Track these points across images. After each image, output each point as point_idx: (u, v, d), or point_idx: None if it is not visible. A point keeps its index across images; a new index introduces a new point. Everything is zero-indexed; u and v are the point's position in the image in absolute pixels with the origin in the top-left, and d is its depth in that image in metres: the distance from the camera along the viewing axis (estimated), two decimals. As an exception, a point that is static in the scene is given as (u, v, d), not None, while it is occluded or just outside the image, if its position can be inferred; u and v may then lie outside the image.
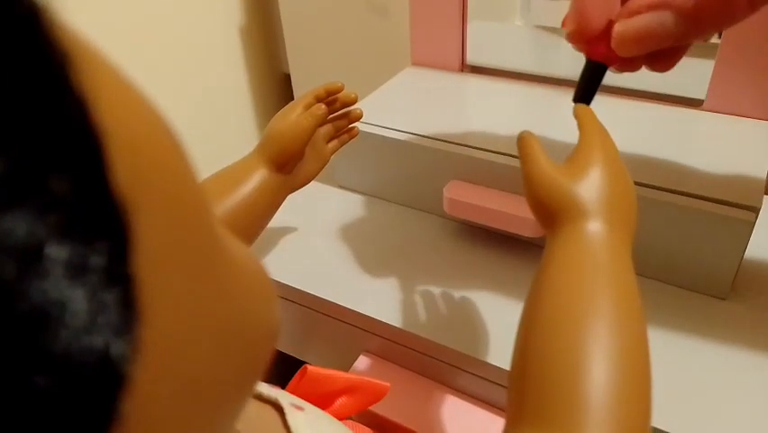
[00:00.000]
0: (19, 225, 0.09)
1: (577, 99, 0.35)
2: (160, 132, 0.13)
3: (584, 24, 0.31)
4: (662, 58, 0.32)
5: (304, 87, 0.92)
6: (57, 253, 0.10)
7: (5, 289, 0.09)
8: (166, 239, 0.13)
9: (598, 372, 0.25)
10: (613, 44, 0.31)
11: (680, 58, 0.33)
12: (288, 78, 0.96)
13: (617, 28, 0.30)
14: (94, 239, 0.10)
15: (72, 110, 0.10)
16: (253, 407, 0.28)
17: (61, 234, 0.10)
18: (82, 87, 0.11)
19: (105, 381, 0.10)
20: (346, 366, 0.50)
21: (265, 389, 0.29)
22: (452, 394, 0.47)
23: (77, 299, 0.10)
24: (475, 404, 0.46)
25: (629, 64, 0.33)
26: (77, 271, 0.10)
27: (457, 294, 0.49)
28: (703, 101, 0.57)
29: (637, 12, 0.29)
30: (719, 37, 0.67)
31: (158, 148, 0.13)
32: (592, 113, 0.35)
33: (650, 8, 0.29)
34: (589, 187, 0.31)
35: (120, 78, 0.13)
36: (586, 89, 0.35)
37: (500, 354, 0.44)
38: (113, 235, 0.11)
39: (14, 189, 0.09)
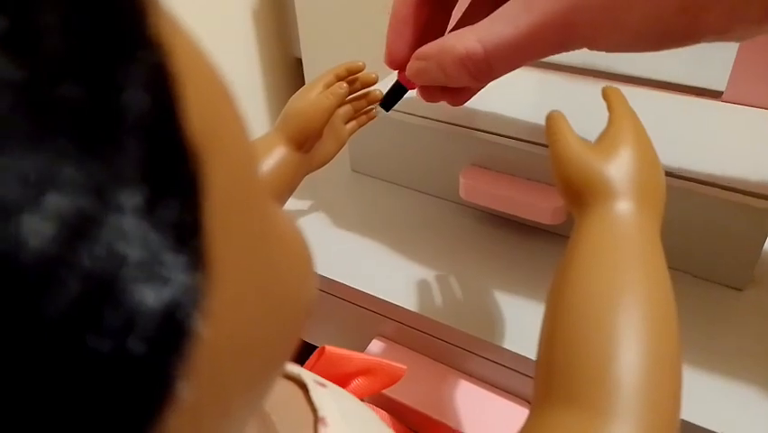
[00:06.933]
0: (92, 166, 0.09)
1: (381, 105, 0.43)
2: (225, 85, 0.13)
3: (387, 56, 0.39)
4: (449, 94, 0.39)
5: (315, 71, 0.92)
6: (130, 198, 0.09)
7: (76, 233, 0.09)
8: (230, 193, 0.12)
9: (629, 353, 0.25)
10: (407, 75, 0.38)
11: (466, 98, 0.40)
12: (299, 62, 0.95)
13: (408, 66, 0.38)
14: (168, 186, 0.10)
15: (148, 51, 0.10)
16: (277, 383, 0.28)
17: (136, 179, 0.09)
18: (158, 30, 0.11)
19: (177, 332, 0.10)
20: (359, 350, 0.50)
21: (287, 366, 0.29)
22: (466, 379, 0.47)
23: (148, 248, 0.09)
24: (489, 390, 0.46)
25: (425, 94, 0.40)
26: (148, 217, 0.10)
27: (472, 279, 0.49)
28: (722, 92, 0.56)
29: (417, 58, 0.37)
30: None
31: (224, 99, 0.13)
32: (622, 95, 0.35)
33: (419, 58, 0.36)
34: (620, 166, 0.30)
35: (186, 31, 0.12)
36: (388, 100, 0.42)
37: (515, 339, 0.44)
38: (186, 183, 0.10)
39: (91, 124, 0.09)
